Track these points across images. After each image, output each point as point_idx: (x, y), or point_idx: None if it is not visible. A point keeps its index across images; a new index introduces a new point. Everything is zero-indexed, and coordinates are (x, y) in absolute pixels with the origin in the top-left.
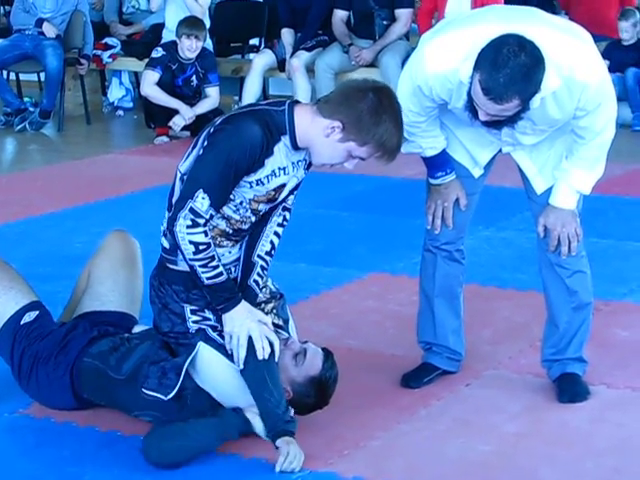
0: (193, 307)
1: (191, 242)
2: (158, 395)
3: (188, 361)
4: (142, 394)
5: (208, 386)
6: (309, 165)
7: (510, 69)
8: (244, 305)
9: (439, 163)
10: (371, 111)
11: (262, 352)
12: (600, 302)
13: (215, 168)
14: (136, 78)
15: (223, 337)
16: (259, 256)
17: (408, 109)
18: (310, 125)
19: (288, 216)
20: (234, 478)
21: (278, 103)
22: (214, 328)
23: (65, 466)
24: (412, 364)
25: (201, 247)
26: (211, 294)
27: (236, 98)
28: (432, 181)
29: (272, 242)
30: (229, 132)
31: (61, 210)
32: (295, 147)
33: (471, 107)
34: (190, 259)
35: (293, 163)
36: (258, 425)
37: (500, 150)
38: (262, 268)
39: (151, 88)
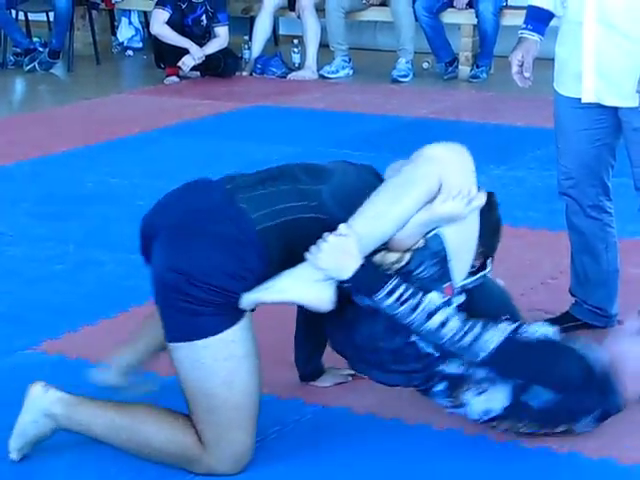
0: None
1: None
2: None
3: None
4: None
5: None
6: None
7: None
8: None
9: (529, 15)
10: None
11: None
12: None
13: None
14: (145, 18)
15: None
16: None
17: None
18: None
19: None
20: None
21: None
22: None
23: None
24: None
25: None
26: None
27: (246, 38)
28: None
29: None
30: None
31: (72, 149)
32: None
33: None
34: None
35: None
36: None
37: None
38: None
39: (161, 27)
